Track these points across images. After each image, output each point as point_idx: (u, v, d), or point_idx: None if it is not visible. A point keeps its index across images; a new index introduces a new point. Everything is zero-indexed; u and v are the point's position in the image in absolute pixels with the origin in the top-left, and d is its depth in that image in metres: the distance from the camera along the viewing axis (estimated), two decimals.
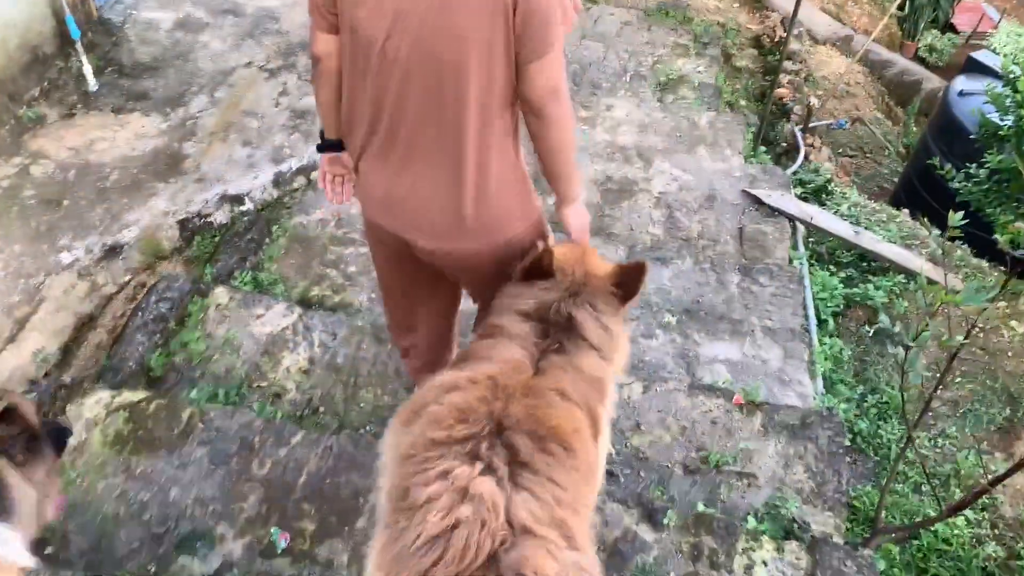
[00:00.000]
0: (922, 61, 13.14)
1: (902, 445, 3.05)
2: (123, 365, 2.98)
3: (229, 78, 5.11)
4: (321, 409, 2.93)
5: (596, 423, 1.85)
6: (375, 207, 2.19)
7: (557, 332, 1.90)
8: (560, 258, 2.06)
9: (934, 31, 13.46)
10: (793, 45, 10.26)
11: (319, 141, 2.33)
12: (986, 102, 4.94)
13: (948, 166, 4.83)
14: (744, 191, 4.92)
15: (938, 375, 2.41)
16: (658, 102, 5.87)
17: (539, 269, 2.02)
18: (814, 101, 8.70)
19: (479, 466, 1.55)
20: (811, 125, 8.80)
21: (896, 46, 12.93)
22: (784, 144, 8.29)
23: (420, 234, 2.11)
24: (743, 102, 9.35)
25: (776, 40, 10.50)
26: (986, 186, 4.61)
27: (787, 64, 10.00)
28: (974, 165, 4.81)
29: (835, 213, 5.72)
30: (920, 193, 7.56)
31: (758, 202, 4.86)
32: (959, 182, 4.81)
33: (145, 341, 3.09)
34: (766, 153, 7.03)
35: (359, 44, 1.91)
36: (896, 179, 8.95)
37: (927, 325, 2.27)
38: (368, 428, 2.88)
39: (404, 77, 1.89)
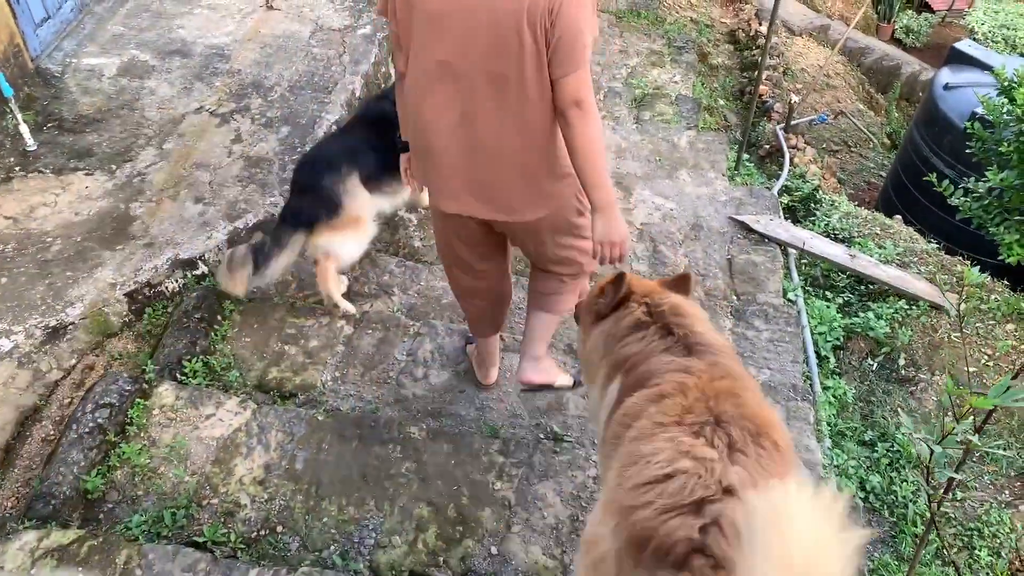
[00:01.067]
0: (899, 43, 12.81)
1: (924, 527, 2.72)
2: (55, 491, 2.62)
3: (178, 127, 4.73)
4: (279, 528, 2.57)
5: None
6: (451, 197, 2.47)
7: (681, 345, 2.03)
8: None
9: (909, 11, 13.14)
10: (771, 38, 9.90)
11: (399, 143, 2.70)
12: (981, 116, 4.61)
13: (946, 182, 4.49)
14: (731, 218, 4.58)
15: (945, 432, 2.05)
16: (635, 123, 5.51)
17: (614, 301, 2.25)
18: (795, 99, 8.36)
19: (702, 440, 1.67)
20: (793, 123, 8.47)
21: (872, 29, 12.59)
22: (768, 146, 7.96)
23: (493, 211, 2.45)
24: (721, 101, 8.99)
25: (752, 34, 10.15)
26: (986, 202, 4.28)
27: (764, 60, 9.65)
28: (972, 179, 4.47)
29: (825, 225, 5.39)
30: (910, 190, 7.24)
31: (747, 229, 4.52)
32: (958, 198, 4.47)
33: (80, 459, 2.72)
34: (749, 161, 6.71)
35: (426, 65, 2.26)
36: (883, 172, 8.63)
37: (953, 429, 1.94)
38: (331, 549, 2.53)
39: (471, 90, 2.23)
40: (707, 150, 5.14)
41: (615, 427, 1.91)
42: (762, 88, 9.14)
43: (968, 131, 4.69)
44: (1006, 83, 4.34)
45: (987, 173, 4.19)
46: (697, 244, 4.44)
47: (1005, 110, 4.31)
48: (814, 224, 5.42)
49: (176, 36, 5.39)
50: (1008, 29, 11.30)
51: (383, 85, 5.50)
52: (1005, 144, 4.08)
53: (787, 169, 6.14)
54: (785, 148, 7.21)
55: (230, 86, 5.04)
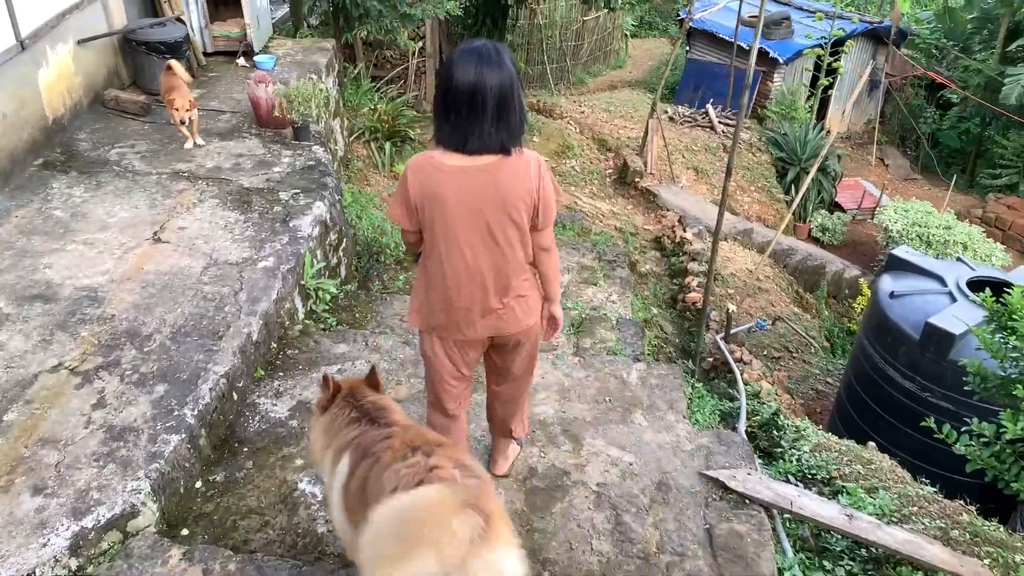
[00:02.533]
0: (816, 241, 12.76)
1: None
2: None
3: (27, 391, 3.76)
4: None
5: None
6: (480, 328, 3.14)
7: (381, 425, 2.73)
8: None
9: (822, 211, 13.21)
10: (696, 244, 9.56)
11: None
12: (978, 348, 3.99)
13: (947, 428, 3.77)
14: (703, 474, 3.75)
15: None
16: (576, 354, 4.76)
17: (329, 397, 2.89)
18: (732, 308, 7.83)
19: (411, 457, 2.43)
20: (732, 331, 7.93)
21: (790, 229, 12.54)
22: (711, 359, 7.32)
23: (503, 328, 3.15)
24: (655, 310, 8.44)
25: (677, 240, 9.81)
26: (997, 448, 3.57)
27: (693, 265, 9.26)
28: (976, 420, 3.77)
29: (797, 463, 4.62)
30: (865, 401, 6.62)
31: (722, 487, 3.69)
32: (963, 445, 3.74)
33: None
34: (698, 381, 6.02)
35: (454, 237, 2.93)
36: (829, 379, 8.07)
37: None
38: None
39: (481, 249, 2.95)
40: (661, 386, 4.37)
41: (356, 486, 2.55)
42: (694, 295, 8.66)
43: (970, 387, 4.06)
44: (1000, 315, 3.75)
45: (1002, 420, 3.48)
46: (667, 510, 3.57)
47: (1010, 345, 3.69)
48: (783, 462, 4.64)
49: (40, 277, 4.52)
50: (920, 226, 11.24)
51: (286, 323, 4.68)
52: (1020, 387, 3.42)
53: (743, 399, 5.42)
54: (733, 365, 6.56)
55: (99, 336, 4.14)
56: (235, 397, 4.07)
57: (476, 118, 2.72)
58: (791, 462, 4.63)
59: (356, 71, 8.92)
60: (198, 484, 3.68)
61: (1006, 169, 14.34)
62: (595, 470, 3.78)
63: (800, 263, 10.72)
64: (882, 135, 15.32)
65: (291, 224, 5.08)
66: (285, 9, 9.21)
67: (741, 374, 6.45)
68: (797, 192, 13.02)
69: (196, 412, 3.75)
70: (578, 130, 12.72)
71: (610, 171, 11.68)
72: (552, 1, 15.74)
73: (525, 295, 3.11)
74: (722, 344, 7.25)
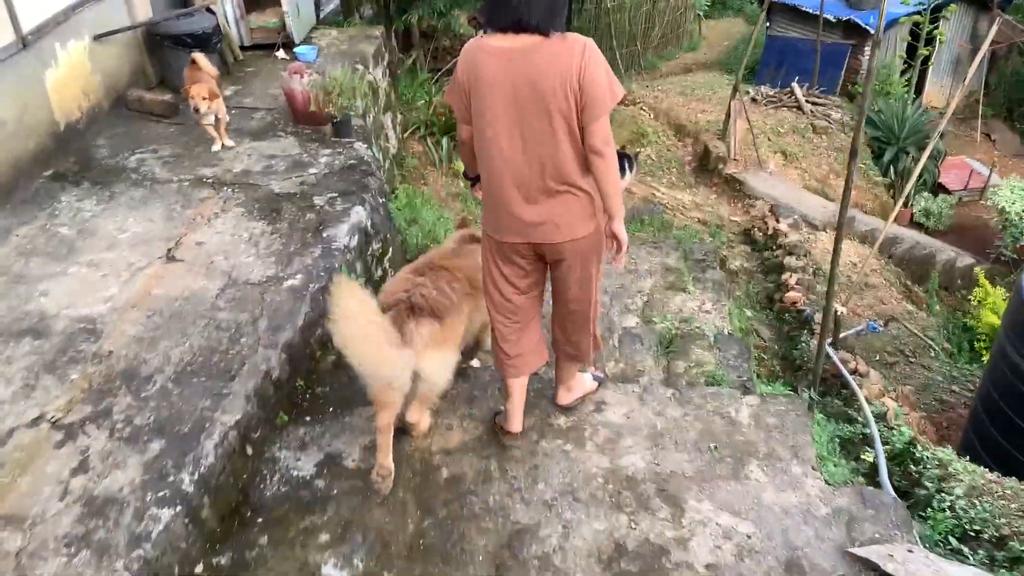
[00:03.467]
0: (920, 227, 11.48)
1: None
2: None
3: None
4: None
5: None
6: (523, 231, 2.90)
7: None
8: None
9: (925, 194, 11.90)
10: (791, 236, 8.46)
11: (468, 178, 3.34)
12: None
13: None
14: (850, 553, 2.79)
15: None
16: (667, 384, 3.81)
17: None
18: (841, 310, 6.75)
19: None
20: (842, 335, 6.86)
21: (889, 215, 11.29)
22: (817, 369, 6.27)
23: (540, 236, 2.89)
24: (749, 312, 7.41)
25: (770, 232, 8.72)
26: None
27: (790, 260, 8.17)
28: None
29: (949, 512, 3.61)
30: (1009, 417, 5.50)
31: (876, 570, 2.72)
32: None
33: None
34: (816, 404, 5.02)
35: (495, 129, 2.78)
36: (955, 386, 6.93)
37: None
38: None
39: (526, 139, 2.75)
40: (781, 427, 3.39)
41: None
42: (794, 295, 7.60)
43: None
44: None
45: None
46: None
47: None
48: (933, 513, 3.63)
49: (34, 308, 3.80)
50: None
51: (316, 354, 3.86)
52: None
53: (874, 428, 4.41)
54: (850, 380, 5.51)
55: (91, 378, 3.39)
56: (249, 451, 3.27)
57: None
58: (942, 514, 3.62)
59: (411, 61, 8.10)
60: (198, 568, 2.89)
61: None
62: (703, 546, 2.85)
63: (907, 253, 9.51)
64: (987, 108, 13.82)
65: (325, 234, 4.27)
66: (337, 2, 8.49)
67: (860, 388, 5.41)
68: (896, 173, 11.77)
69: (196, 477, 2.95)
70: (652, 116, 11.69)
71: (689, 158, 10.63)
72: None
73: (572, 197, 2.83)
74: (832, 354, 6.20)
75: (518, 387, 3.30)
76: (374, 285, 4.55)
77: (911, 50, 12.68)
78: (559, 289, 3.13)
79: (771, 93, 12.53)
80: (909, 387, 6.06)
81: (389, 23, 7.35)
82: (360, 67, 6.20)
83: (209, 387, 3.32)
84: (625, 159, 9.18)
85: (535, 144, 2.73)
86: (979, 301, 9.45)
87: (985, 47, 7.66)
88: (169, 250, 4.19)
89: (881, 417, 5.08)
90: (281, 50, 6.37)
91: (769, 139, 11.13)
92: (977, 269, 9.46)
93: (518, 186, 2.81)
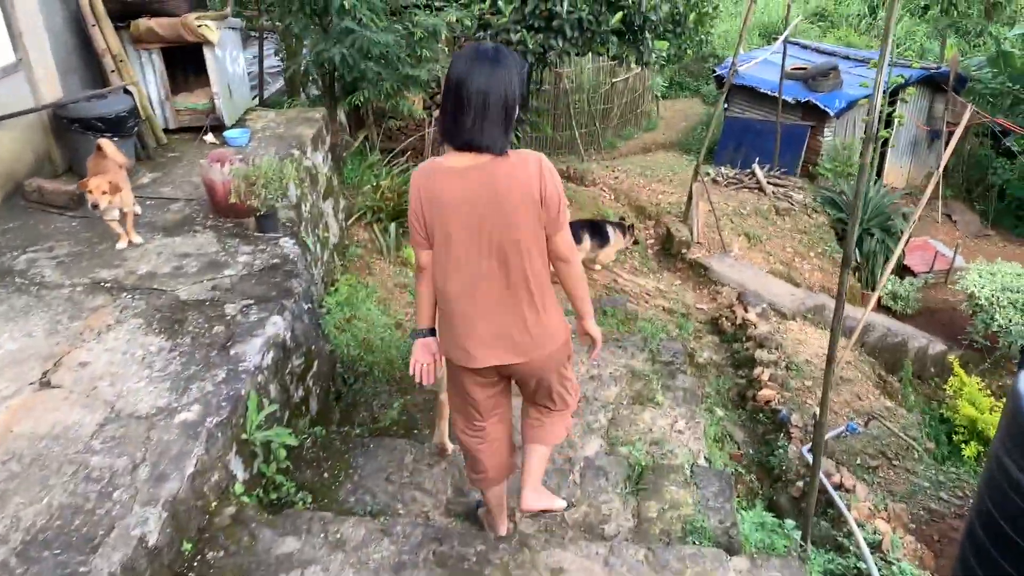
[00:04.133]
0: (888, 311, 11.07)
1: None
2: None
3: None
4: None
5: None
6: (485, 353, 2.76)
7: None
8: None
9: (891, 276, 11.53)
10: (761, 327, 7.91)
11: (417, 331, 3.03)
12: None
13: None
14: None
15: None
16: (637, 537, 3.13)
17: None
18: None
19: None
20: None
21: (857, 299, 10.87)
22: (799, 482, 5.63)
23: (514, 355, 2.77)
24: (720, 412, 6.80)
25: (738, 323, 8.18)
26: None
27: (761, 354, 7.61)
28: None
29: None
30: (1011, 538, 4.89)
31: None
32: None
33: None
34: (805, 536, 4.35)
35: (452, 250, 2.69)
36: (942, 493, 6.32)
37: None
38: None
39: (489, 259, 2.67)
40: None
41: None
42: (768, 392, 7.01)
43: None
44: None
45: None
46: None
47: None
48: None
49: None
50: (1012, 292, 9.54)
51: (211, 505, 3.13)
52: None
53: (872, 566, 3.76)
54: (838, 500, 4.87)
55: None
56: None
57: (467, 113, 2.58)
58: None
59: (359, 142, 7.54)
60: None
61: None
62: None
63: (879, 341, 9.01)
64: (946, 189, 13.63)
65: (233, 351, 3.58)
66: (282, 83, 7.96)
67: (849, 509, 4.78)
68: (861, 255, 11.39)
69: None
70: (612, 197, 11.24)
71: (651, 241, 10.14)
72: (578, 65, 14.44)
73: (543, 314, 2.77)
74: (811, 459, 5.58)
75: (495, 495, 3.24)
76: (292, 409, 3.85)
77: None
78: (532, 401, 3.10)
79: (732, 174, 12.20)
80: (900, 504, 5.43)
81: (335, 103, 6.79)
82: (296, 152, 5.60)
83: (63, 563, 2.58)
84: (619, 228, 8.80)
85: (501, 260, 2.66)
86: (955, 391, 8.96)
87: (958, 132, 7.31)
88: (45, 373, 3.47)
89: (876, 547, 4.44)
90: (210, 134, 5.76)
91: (732, 221, 10.71)
92: (951, 357, 9.00)
93: (487, 305, 2.72)
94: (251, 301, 3.95)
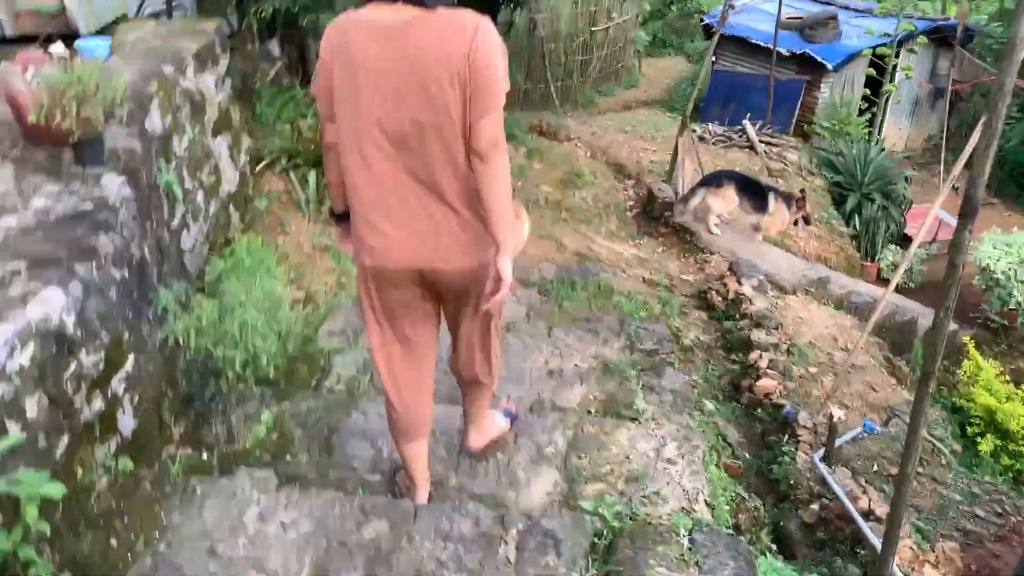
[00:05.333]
0: (887, 282, 9.81)
1: None
2: None
3: None
4: None
5: None
6: (387, 253, 2.31)
7: None
8: None
9: (891, 246, 10.24)
10: (758, 303, 6.56)
11: (332, 215, 2.66)
12: None
13: None
14: None
15: None
16: None
17: None
18: (839, 414, 4.83)
19: None
20: (836, 443, 4.95)
21: (856, 270, 9.56)
22: (813, 504, 4.32)
23: (434, 260, 2.30)
24: (711, 405, 5.46)
25: (730, 296, 6.82)
26: None
27: (759, 335, 6.27)
28: None
29: None
30: None
31: None
32: None
33: None
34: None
35: (357, 126, 2.18)
36: (977, 509, 5.07)
37: None
38: None
39: (404, 143, 2.16)
40: None
41: None
42: (768, 383, 5.68)
43: None
44: None
45: None
46: None
47: None
48: None
49: None
50: None
51: None
52: None
53: None
54: (869, 535, 3.55)
55: None
56: None
57: None
58: None
59: (274, 71, 6.03)
60: None
61: None
62: None
63: (886, 319, 7.68)
64: (948, 154, 12.29)
65: None
66: None
67: (891, 555, 3.46)
68: (861, 223, 10.05)
69: None
70: (589, 154, 9.81)
71: (631, 203, 8.74)
72: (554, 9, 12.90)
73: (453, 217, 2.24)
74: (830, 479, 4.27)
75: (412, 453, 2.72)
76: (80, 432, 2.42)
77: (872, 86, 11.11)
78: (452, 322, 2.59)
79: (720, 131, 10.79)
80: (951, 544, 4.12)
81: (242, 18, 5.30)
82: (170, 69, 4.13)
83: None
84: (784, 198, 7.80)
85: (414, 144, 2.16)
86: (969, 377, 7.69)
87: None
88: None
89: None
90: (58, 43, 4.25)
91: None
92: (965, 338, 7.69)
93: (397, 194, 2.23)
94: (26, 263, 2.52)
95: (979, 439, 6.89)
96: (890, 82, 10.45)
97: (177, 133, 4.08)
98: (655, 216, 8.08)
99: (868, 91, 11.14)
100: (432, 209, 2.24)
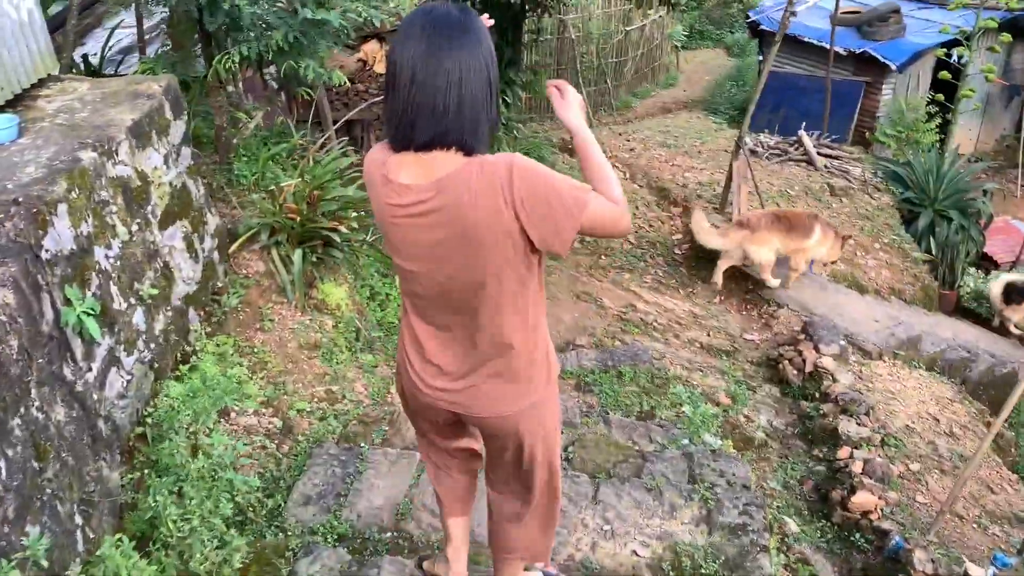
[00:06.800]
0: (970, 314, 8.48)
1: None
2: None
3: None
4: None
5: None
6: (423, 386, 2.02)
7: None
8: None
9: (971, 270, 8.89)
10: (842, 378, 5.33)
11: None
12: None
13: None
14: None
15: None
16: None
17: None
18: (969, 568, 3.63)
19: None
20: None
21: (933, 301, 8.26)
22: None
23: (467, 405, 1.99)
24: (794, 524, 4.30)
25: (807, 369, 5.61)
26: None
27: (847, 426, 5.05)
28: None
29: None
30: None
31: None
32: None
33: None
34: None
35: (405, 282, 1.93)
36: None
37: None
38: None
39: (443, 307, 1.87)
40: None
41: None
42: (866, 498, 4.49)
43: None
44: None
45: None
46: None
47: None
48: None
49: None
50: None
51: None
52: None
53: None
54: None
55: None
56: None
57: (408, 102, 1.67)
58: None
59: (254, 124, 4.93)
60: None
61: None
62: None
63: (984, 375, 6.43)
64: None
65: None
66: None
67: None
68: (935, 245, 8.71)
69: None
70: (627, 175, 8.61)
71: (678, 237, 7.53)
72: (585, 10, 11.65)
73: (504, 373, 1.92)
74: None
75: (459, 528, 2.40)
76: None
77: (939, 87, 9.72)
78: (492, 466, 2.20)
79: (773, 143, 9.50)
80: None
81: (209, 62, 4.22)
82: (93, 155, 3.05)
83: None
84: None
85: (458, 309, 1.85)
86: None
87: None
88: None
89: None
90: None
91: (778, 205, 8.06)
92: None
93: (448, 357, 1.95)
94: None
95: None
96: (962, 83, 9.05)
97: (101, 241, 3.01)
98: (708, 258, 6.87)
99: (934, 93, 9.74)
100: (472, 365, 1.97)
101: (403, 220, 1.77)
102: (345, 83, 4.54)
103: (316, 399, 3.95)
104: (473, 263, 1.74)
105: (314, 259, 4.40)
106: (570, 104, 1.88)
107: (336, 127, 5.83)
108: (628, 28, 12.27)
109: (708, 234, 6.28)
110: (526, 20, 8.90)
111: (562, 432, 3.82)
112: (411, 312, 1.98)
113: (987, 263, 9.21)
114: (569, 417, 3.89)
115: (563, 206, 1.65)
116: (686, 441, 3.83)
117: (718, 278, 6.39)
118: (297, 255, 4.27)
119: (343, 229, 4.42)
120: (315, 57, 4.24)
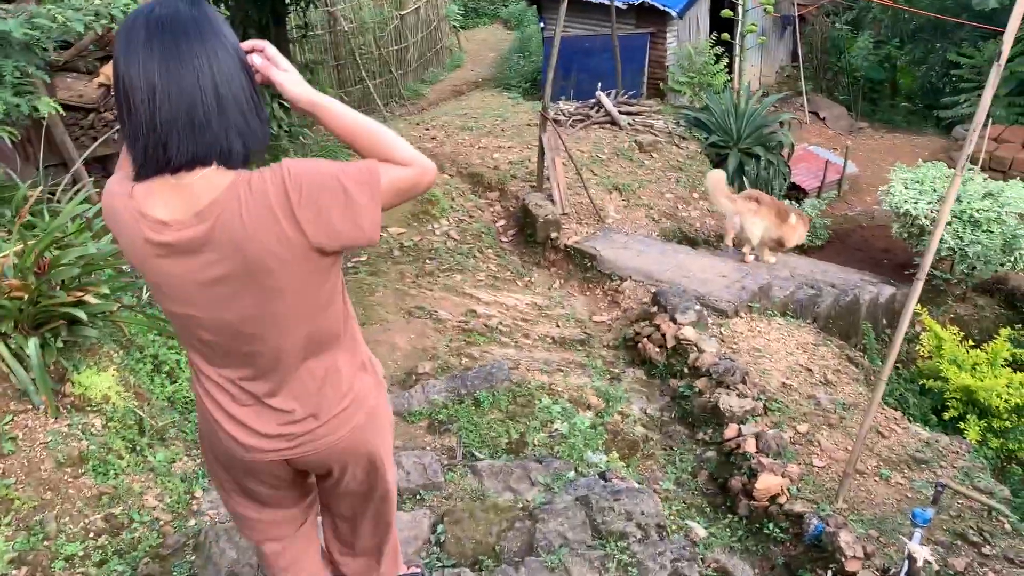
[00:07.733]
0: (796, 248, 8.48)
1: None
2: None
3: None
4: None
5: None
6: (231, 447, 1.73)
7: None
8: None
9: (788, 203, 8.91)
10: (707, 347, 4.84)
11: None
12: None
13: None
14: None
15: None
16: None
17: None
18: (924, 555, 3.21)
19: None
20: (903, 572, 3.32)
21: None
22: None
23: (297, 447, 1.74)
24: (700, 529, 3.71)
25: (669, 343, 5.09)
26: None
27: (728, 400, 4.60)
28: None
29: None
30: None
31: None
32: None
33: None
34: None
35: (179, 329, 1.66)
36: None
37: None
38: None
39: (242, 336, 1.60)
40: None
41: None
42: (770, 481, 4.00)
43: None
44: None
45: None
46: None
47: None
48: None
49: None
50: (955, 202, 7.05)
51: None
52: None
53: None
54: None
55: None
56: None
57: (153, 121, 1.40)
58: None
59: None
60: None
61: (967, 93, 10.43)
62: None
63: (831, 309, 6.25)
64: (807, 83, 11.12)
65: None
66: None
67: None
68: (749, 184, 8.62)
69: None
70: (436, 166, 7.83)
71: (502, 223, 6.87)
72: (355, 0, 10.71)
73: (331, 403, 1.71)
74: None
75: None
76: None
77: (718, 27, 9.67)
78: (336, 511, 1.99)
79: (573, 109, 9.04)
80: None
81: None
82: None
83: None
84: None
85: (253, 342, 1.60)
86: (932, 351, 6.44)
87: None
88: None
89: None
90: None
91: (593, 172, 7.61)
92: (917, 308, 6.38)
93: (250, 399, 1.69)
94: None
95: (961, 423, 5.64)
96: (743, 19, 8.99)
97: None
98: (539, 240, 6.24)
99: (718, 35, 9.69)
100: (292, 405, 1.72)
101: (167, 261, 1.51)
102: (60, 111, 3.43)
103: (92, 534, 2.90)
104: (268, 296, 1.52)
105: (59, 344, 3.30)
106: (289, 71, 1.52)
107: (82, 164, 4.64)
108: (403, 12, 11.45)
109: (723, 194, 6.40)
110: (289, 15, 7.88)
111: (425, 500, 3.02)
112: (201, 364, 1.68)
113: (797, 191, 9.30)
114: (430, 476, 3.09)
115: (357, 189, 1.44)
116: (572, 474, 3.15)
117: (728, 242, 6.54)
118: (32, 345, 3.16)
119: (91, 300, 3.34)
120: (4, 85, 3.13)
